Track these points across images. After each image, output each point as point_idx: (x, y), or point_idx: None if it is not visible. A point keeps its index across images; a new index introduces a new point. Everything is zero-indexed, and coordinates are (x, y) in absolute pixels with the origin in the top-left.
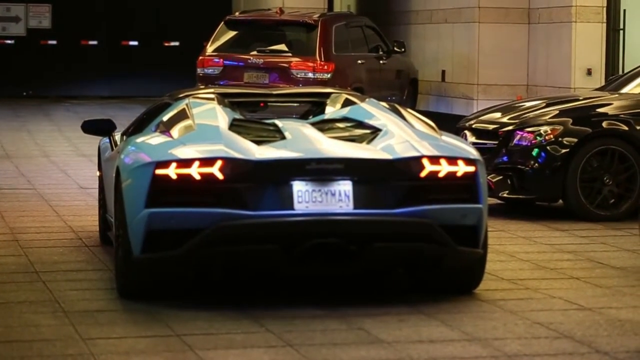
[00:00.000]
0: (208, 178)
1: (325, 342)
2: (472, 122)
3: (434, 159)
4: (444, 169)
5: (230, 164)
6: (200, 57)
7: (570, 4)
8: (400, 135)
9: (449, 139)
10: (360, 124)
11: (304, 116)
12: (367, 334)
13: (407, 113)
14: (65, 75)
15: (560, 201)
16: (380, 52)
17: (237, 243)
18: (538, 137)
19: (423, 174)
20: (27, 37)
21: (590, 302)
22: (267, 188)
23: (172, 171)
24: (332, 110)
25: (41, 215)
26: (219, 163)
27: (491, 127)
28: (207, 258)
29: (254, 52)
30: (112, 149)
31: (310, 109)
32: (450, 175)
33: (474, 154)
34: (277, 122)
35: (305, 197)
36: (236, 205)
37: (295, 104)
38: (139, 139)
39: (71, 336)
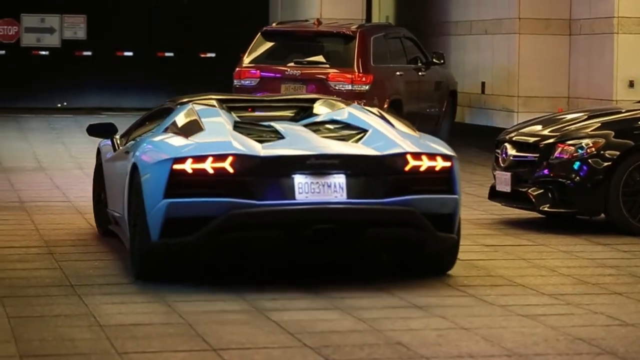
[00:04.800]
0: (220, 172)
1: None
2: (512, 134)
3: (416, 155)
4: (425, 163)
5: (239, 159)
6: (237, 69)
7: (612, 15)
8: (386, 135)
9: (427, 138)
10: (347, 126)
11: (293, 119)
12: (405, 348)
13: (389, 116)
14: (100, 86)
15: (602, 215)
16: (419, 64)
17: (246, 229)
18: (579, 150)
19: (407, 168)
20: (61, 48)
21: (633, 318)
22: (272, 181)
23: (188, 166)
24: (319, 114)
25: (76, 228)
26: (230, 159)
27: (532, 139)
28: (219, 243)
29: (291, 64)
30: (115, 150)
31: (298, 113)
32: (430, 169)
33: (449, 151)
34: (274, 124)
35: (305, 188)
36: (245, 195)
37: (285, 109)
38: (154, 139)
39: (107, 350)
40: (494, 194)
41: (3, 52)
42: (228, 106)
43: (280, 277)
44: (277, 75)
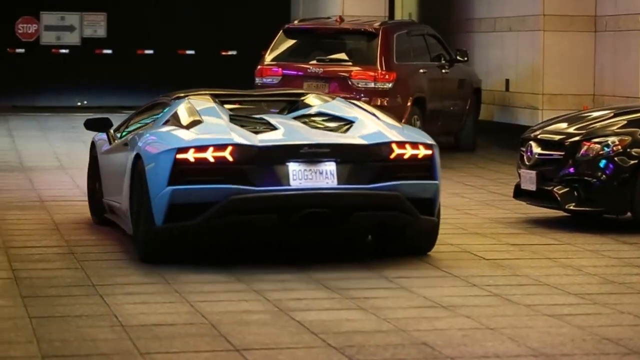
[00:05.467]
0: (220, 160)
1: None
2: (537, 132)
3: (401, 144)
4: (408, 152)
5: (238, 149)
6: (259, 67)
7: (637, 12)
8: (371, 126)
9: (409, 129)
10: (334, 118)
11: (281, 112)
12: (430, 348)
13: (372, 108)
14: (121, 84)
15: (629, 214)
16: (443, 61)
17: (244, 213)
18: (605, 148)
19: (392, 156)
20: (81, 46)
21: None
22: (268, 168)
23: (190, 155)
24: (307, 107)
25: (97, 227)
26: (229, 148)
27: (557, 137)
28: (220, 226)
29: (314, 62)
30: (110, 143)
31: (286, 106)
32: (413, 157)
33: (430, 140)
34: (265, 117)
35: (298, 175)
36: (243, 182)
37: (273, 103)
38: (157, 131)
39: (129, 351)
40: (519, 193)
41: (22, 50)
42: (221, 100)
43: (304, 277)
44: (299, 73)
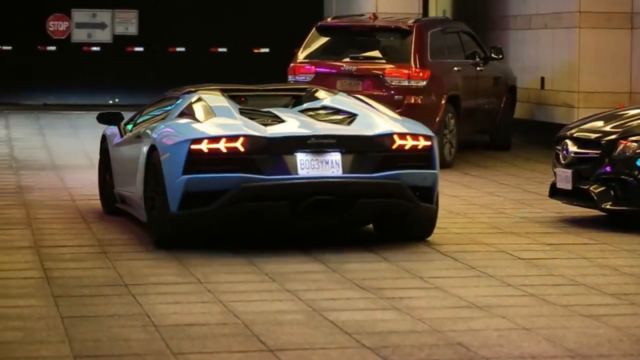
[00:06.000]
0: (232, 151)
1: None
2: (573, 131)
3: (402, 135)
4: (409, 143)
5: (249, 139)
6: (292, 64)
7: None
8: (373, 118)
9: (409, 121)
10: (337, 111)
11: (286, 106)
12: (466, 349)
13: (373, 102)
14: (152, 82)
15: None
16: (478, 59)
17: (255, 200)
18: None
19: (394, 146)
20: (113, 43)
21: None
22: (277, 158)
23: (204, 146)
24: (310, 101)
25: (129, 226)
26: (241, 139)
27: (593, 136)
28: (232, 212)
29: (347, 59)
30: (122, 136)
31: (290, 101)
32: (414, 148)
33: (429, 132)
34: (273, 110)
35: (306, 164)
36: (254, 171)
37: (278, 98)
38: (171, 123)
39: (162, 351)
40: (555, 192)
41: (54, 48)
42: (229, 95)
43: (337, 277)
44: (333, 71)
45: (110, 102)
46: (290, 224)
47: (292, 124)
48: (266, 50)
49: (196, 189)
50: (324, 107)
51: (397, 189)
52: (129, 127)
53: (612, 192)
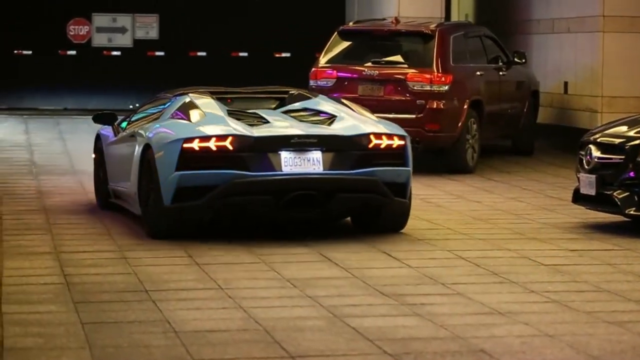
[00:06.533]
0: (221, 149)
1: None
2: (596, 136)
3: (378, 135)
4: (384, 142)
5: (237, 139)
6: (313, 69)
7: None
8: (351, 119)
9: (384, 122)
10: (318, 112)
11: (270, 108)
12: (489, 356)
13: (352, 104)
14: (173, 87)
15: None
16: (500, 63)
17: (243, 194)
18: None
19: (371, 145)
20: (133, 48)
21: None
22: (263, 156)
23: (196, 145)
24: (293, 103)
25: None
26: (229, 139)
27: (617, 141)
28: (221, 206)
29: (369, 64)
30: (116, 135)
31: (274, 102)
32: (389, 147)
33: (403, 132)
34: (258, 111)
35: (289, 162)
36: (241, 168)
37: (263, 100)
38: (164, 123)
39: (182, 357)
40: (578, 197)
41: (74, 52)
42: (218, 97)
43: (359, 283)
44: (354, 75)
45: (131, 106)
46: (275, 216)
47: (276, 125)
48: (287, 54)
49: (188, 184)
50: (306, 109)
51: (373, 184)
52: (123, 126)
53: (636, 198)
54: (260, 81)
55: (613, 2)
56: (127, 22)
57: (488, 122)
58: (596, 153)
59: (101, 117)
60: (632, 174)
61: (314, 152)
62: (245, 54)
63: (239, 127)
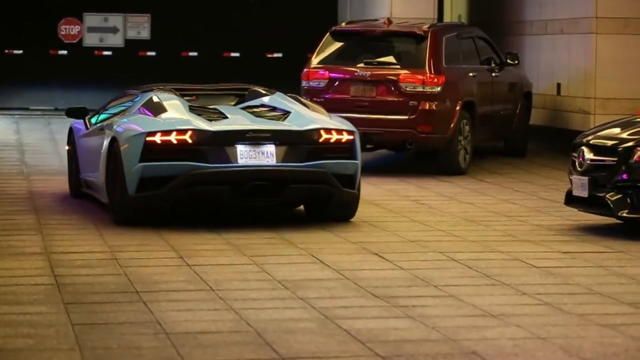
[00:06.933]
0: (182, 142)
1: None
2: (589, 137)
3: (327, 130)
4: (334, 136)
5: (196, 133)
6: (305, 70)
7: None
8: (304, 115)
9: (335, 119)
10: (274, 108)
11: (231, 104)
12: (481, 358)
13: (305, 101)
14: None
15: None
16: (493, 65)
17: (201, 184)
18: None
19: (321, 140)
20: (125, 48)
21: None
22: (220, 149)
23: (158, 138)
24: (251, 99)
25: (140, 232)
26: (189, 132)
27: (610, 143)
28: (181, 195)
29: (361, 65)
30: (87, 128)
31: (233, 99)
32: (338, 141)
33: (352, 127)
34: (218, 107)
35: (245, 155)
36: (200, 160)
37: (224, 96)
38: (130, 118)
39: (173, 359)
40: (571, 199)
41: (65, 52)
42: (181, 93)
43: (350, 285)
44: (347, 76)
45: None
46: (231, 205)
47: (234, 120)
48: (279, 55)
49: (150, 174)
50: (263, 105)
51: (322, 176)
52: (94, 120)
53: (628, 200)
54: (252, 81)
55: (606, 4)
56: (119, 22)
57: (480, 123)
58: (589, 155)
59: (73, 111)
60: (625, 176)
61: (268, 145)
62: (237, 54)
63: (198, 122)
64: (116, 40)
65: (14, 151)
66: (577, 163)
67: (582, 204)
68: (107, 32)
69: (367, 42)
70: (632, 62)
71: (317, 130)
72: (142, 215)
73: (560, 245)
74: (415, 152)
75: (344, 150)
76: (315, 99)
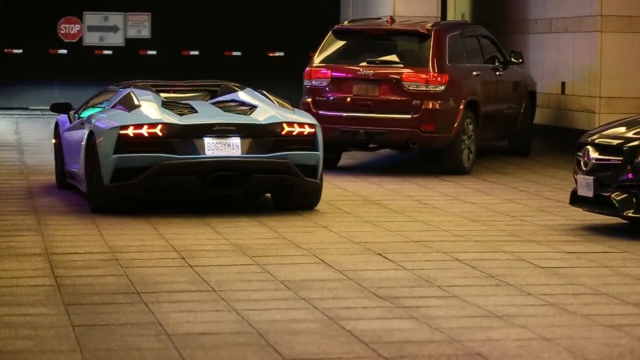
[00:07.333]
0: (153, 135)
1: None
2: (594, 137)
3: (290, 124)
4: (296, 129)
5: (166, 126)
6: (308, 69)
7: None
8: (269, 110)
9: (299, 112)
10: (242, 103)
11: (203, 99)
12: (485, 359)
13: (272, 96)
14: None
15: None
16: (497, 63)
17: (171, 174)
18: None
19: (283, 132)
20: (125, 47)
21: None
22: (189, 141)
23: (130, 131)
24: (223, 95)
25: (141, 233)
26: (159, 126)
27: (615, 142)
28: (152, 185)
29: (364, 63)
30: (71, 122)
31: (207, 94)
32: (300, 133)
33: (314, 121)
34: (190, 102)
35: (212, 146)
36: (170, 151)
37: (197, 92)
38: (106, 114)
39: None
40: (576, 199)
41: (65, 51)
42: (157, 89)
43: (353, 285)
44: (349, 75)
45: None
46: (199, 194)
47: (203, 114)
48: (281, 54)
49: (124, 165)
50: (233, 100)
51: (285, 166)
52: (85, 114)
53: (634, 200)
54: (254, 81)
55: (611, 2)
56: (119, 21)
57: (484, 122)
58: (594, 154)
59: (58, 106)
60: (630, 175)
61: (234, 138)
62: (239, 53)
63: (168, 116)
64: (116, 39)
65: (13, 151)
66: (582, 162)
67: (587, 204)
68: (107, 31)
69: (369, 41)
70: (637, 61)
71: (280, 123)
72: (117, 203)
73: (565, 246)
74: (419, 151)
75: (306, 142)
76: (317, 98)
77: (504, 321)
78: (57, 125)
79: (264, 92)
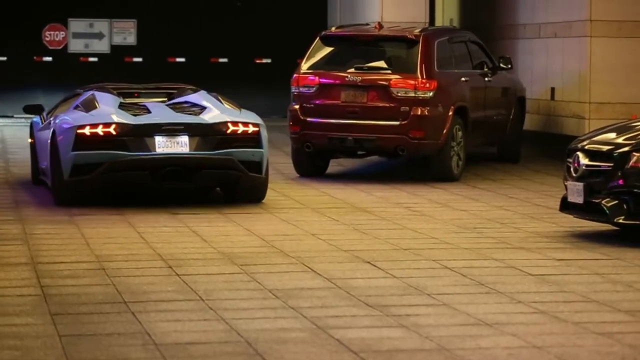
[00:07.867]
0: (107, 134)
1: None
2: (584, 143)
3: (235, 123)
4: (240, 128)
5: (119, 126)
6: (295, 75)
7: None
8: (216, 110)
9: (245, 113)
10: (194, 104)
11: (160, 101)
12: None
13: (222, 98)
14: None
15: None
16: (486, 69)
17: (124, 170)
18: None
19: (229, 131)
20: (111, 54)
21: None
22: (141, 139)
23: (87, 130)
24: (179, 97)
25: (128, 242)
26: (113, 125)
27: (605, 148)
28: (107, 179)
29: (352, 70)
30: (42, 123)
31: (165, 96)
32: (245, 132)
33: (259, 120)
34: (146, 104)
35: (162, 144)
36: (123, 149)
37: (157, 94)
38: (67, 114)
39: None
40: (566, 206)
41: (50, 58)
42: (119, 92)
43: (342, 293)
44: (337, 81)
45: None
46: (151, 187)
47: (155, 114)
48: (268, 60)
49: (81, 162)
50: (186, 102)
51: (230, 162)
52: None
53: (624, 206)
54: (241, 88)
55: (600, 7)
56: (104, 28)
57: (473, 129)
58: (584, 160)
59: (31, 108)
60: (621, 181)
61: (182, 136)
62: (225, 60)
63: (122, 117)
64: (102, 46)
65: None
66: (572, 169)
67: (578, 210)
68: (92, 38)
69: (357, 47)
70: (627, 66)
71: (225, 123)
72: (76, 197)
73: (555, 253)
74: (407, 158)
75: (251, 140)
76: (305, 104)
77: (494, 329)
78: (31, 126)
79: (217, 95)
